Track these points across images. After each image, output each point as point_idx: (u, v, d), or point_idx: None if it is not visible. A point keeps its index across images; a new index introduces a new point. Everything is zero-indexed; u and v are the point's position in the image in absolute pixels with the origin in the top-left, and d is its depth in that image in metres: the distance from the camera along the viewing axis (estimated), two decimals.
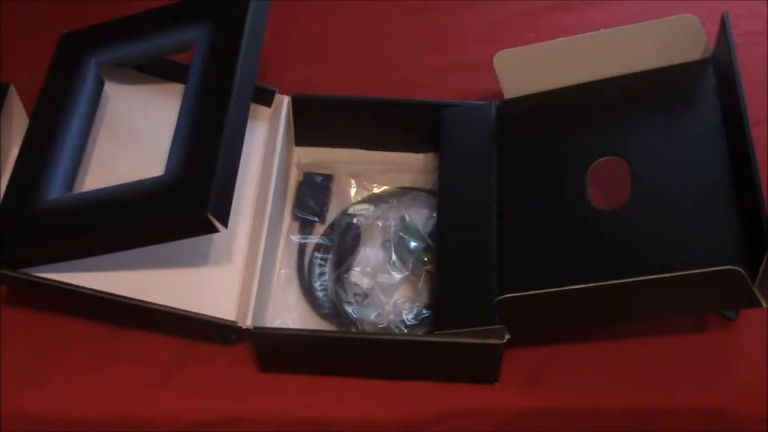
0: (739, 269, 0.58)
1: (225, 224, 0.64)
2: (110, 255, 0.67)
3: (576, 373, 0.70)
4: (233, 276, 0.71)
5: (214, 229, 0.63)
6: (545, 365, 0.71)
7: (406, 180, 0.80)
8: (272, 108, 0.79)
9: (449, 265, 0.69)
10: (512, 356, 0.69)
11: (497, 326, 0.65)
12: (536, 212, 0.70)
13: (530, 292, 0.63)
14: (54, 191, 0.69)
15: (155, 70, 0.78)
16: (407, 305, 0.72)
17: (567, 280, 0.62)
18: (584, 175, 0.69)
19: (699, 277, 0.59)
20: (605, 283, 0.61)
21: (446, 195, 0.73)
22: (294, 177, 0.81)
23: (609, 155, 0.70)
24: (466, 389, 0.70)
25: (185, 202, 0.64)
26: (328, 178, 0.80)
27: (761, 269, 0.58)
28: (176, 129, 0.69)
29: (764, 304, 0.60)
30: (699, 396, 0.69)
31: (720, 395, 0.69)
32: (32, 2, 0.93)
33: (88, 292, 0.67)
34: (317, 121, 0.80)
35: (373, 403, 0.70)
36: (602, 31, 0.74)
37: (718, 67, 0.70)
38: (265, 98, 0.79)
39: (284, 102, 0.79)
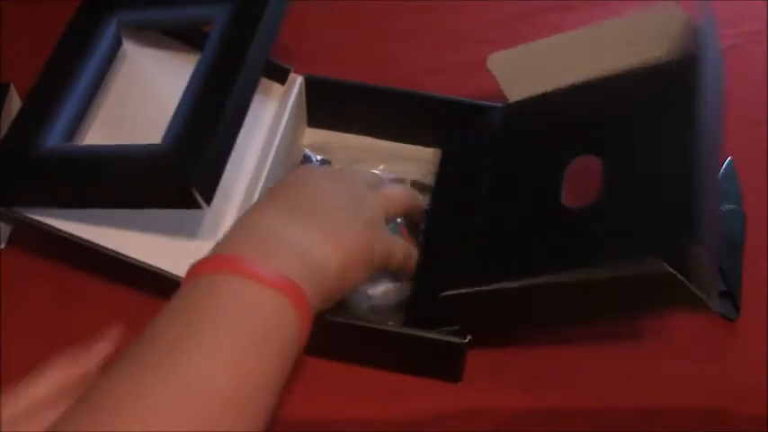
0: (667, 266, 0.54)
1: (208, 202, 0.62)
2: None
3: (576, 373, 0.70)
4: None
5: (196, 205, 0.62)
6: (545, 366, 0.71)
7: (405, 171, 0.80)
8: (285, 86, 0.79)
9: (429, 260, 0.69)
10: (512, 357, 0.69)
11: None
12: (518, 212, 0.69)
13: (457, 291, 0.63)
14: (53, 140, 0.68)
15: (177, 34, 0.78)
16: (381, 288, 0.71)
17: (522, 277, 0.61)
18: (562, 176, 0.68)
19: (630, 278, 0.56)
20: (533, 281, 0.59)
21: (439, 190, 0.74)
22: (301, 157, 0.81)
23: (586, 154, 0.68)
24: (466, 389, 0.70)
25: (173, 174, 0.63)
26: (325, 162, 0.80)
27: (688, 271, 0.54)
28: (182, 98, 0.68)
29: (710, 305, 0.56)
30: (699, 396, 0.69)
31: (720, 395, 0.69)
32: (32, 2, 0.94)
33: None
34: (329, 104, 0.81)
35: (373, 403, 0.70)
36: (587, 27, 0.73)
37: (695, 66, 0.67)
38: (280, 75, 0.78)
39: (297, 81, 0.79)
